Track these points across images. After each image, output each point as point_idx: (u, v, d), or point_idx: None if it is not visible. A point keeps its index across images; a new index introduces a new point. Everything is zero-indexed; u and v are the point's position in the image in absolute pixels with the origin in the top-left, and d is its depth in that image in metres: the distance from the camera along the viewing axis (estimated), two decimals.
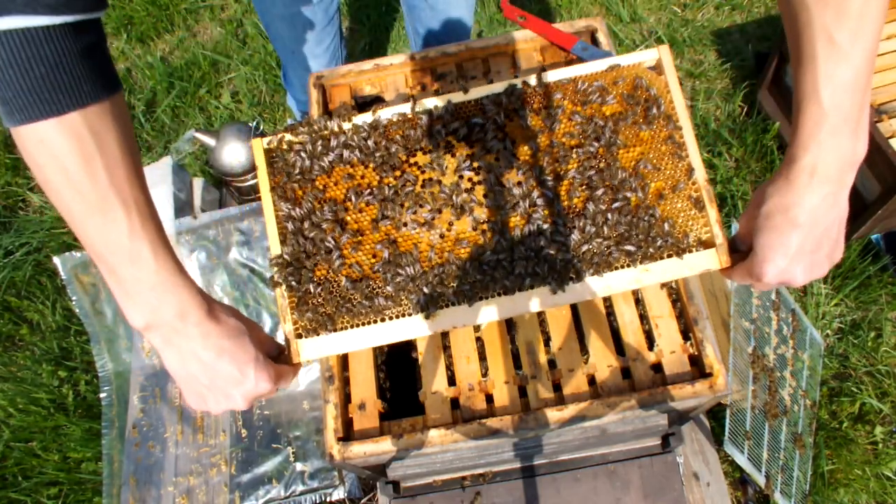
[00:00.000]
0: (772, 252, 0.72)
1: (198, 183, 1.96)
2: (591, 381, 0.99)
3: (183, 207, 1.85)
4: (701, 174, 0.87)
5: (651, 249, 0.85)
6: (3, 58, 0.56)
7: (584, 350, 1.01)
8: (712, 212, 0.85)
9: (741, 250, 0.82)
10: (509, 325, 1.05)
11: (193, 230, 1.82)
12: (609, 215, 0.85)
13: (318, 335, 0.86)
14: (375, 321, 0.86)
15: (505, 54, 1.28)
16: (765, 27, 2.61)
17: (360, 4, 2.86)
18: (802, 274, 0.73)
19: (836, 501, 1.71)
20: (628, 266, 0.85)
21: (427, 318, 0.85)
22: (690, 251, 0.85)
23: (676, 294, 1.02)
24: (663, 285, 1.03)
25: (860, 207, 1.96)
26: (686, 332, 1.00)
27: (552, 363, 1.01)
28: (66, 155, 0.60)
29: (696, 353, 0.98)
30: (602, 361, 0.99)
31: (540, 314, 1.04)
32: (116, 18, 2.93)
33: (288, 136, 0.93)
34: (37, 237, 2.31)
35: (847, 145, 0.65)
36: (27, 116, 0.58)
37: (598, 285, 0.85)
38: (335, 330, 0.86)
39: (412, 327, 0.86)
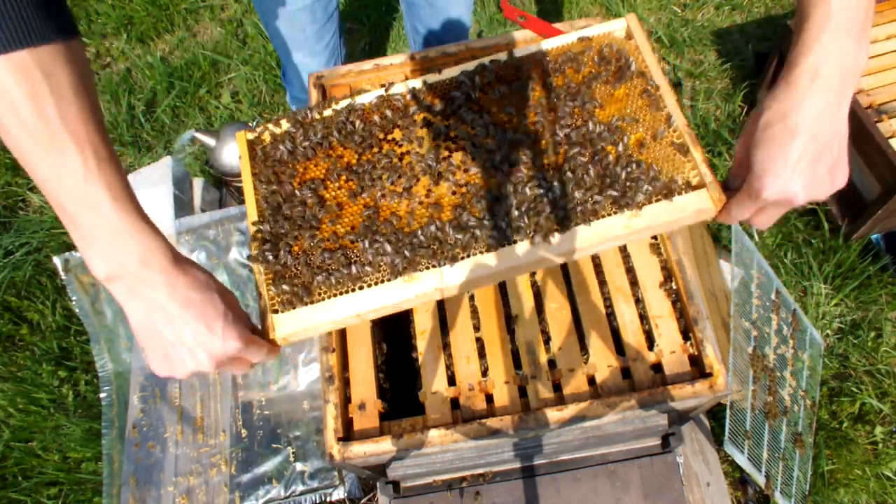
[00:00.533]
0: (771, 164, 0.68)
1: (198, 183, 1.96)
2: (591, 381, 0.99)
3: (183, 207, 1.85)
4: (680, 120, 0.86)
5: (639, 195, 0.82)
6: None
7: (584, 350, 1.01)
8: (697, 154, 0.84)
9: (734, 188, 0.78)
10: (509, 325, 1.05)
11: (193, 230, 1.82)
12: (590, 167, 0.84)
13: (294, 308, 0.83)
14: (354, 289, 0.83)
15: None
16: (765, 27, 2.61)
17: (360, 4, 2.86)
18: (804, 190, 0.68)
19: (836, 501, 1.71)
20: (616, 213, 0.83)
21: (407, 280, 0.82)
22: (680, 193, 0.82)
23: (676, 294, 1.02)
24: (662, 285, 1.03)
25: (860, 207, 1.96)
26: (686, 332, 1.00)
27: (552, 363, 1.01)
28: (14, 91, 0.57)
29: (696, 353, 0.98)
30: (602, 361, 0.99)
31: (540, 314, 1.04)
32: (116, 18, 2.93)
33: (271, 127, 0.95)
34: (37, 237, 2.31)
35: (851, 50, 0.63)
36: None
37: (586, 235, 0.82)
38: (312, 302, 0.83)
39: (392, 293, 0.83)
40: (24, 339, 2.16)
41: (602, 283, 1.06)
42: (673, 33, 2.62)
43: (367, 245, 0.84)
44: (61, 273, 1.86)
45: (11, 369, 2.09)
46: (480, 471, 1.19)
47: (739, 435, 1.38)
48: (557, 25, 1.27)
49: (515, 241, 0.83)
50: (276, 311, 0.84)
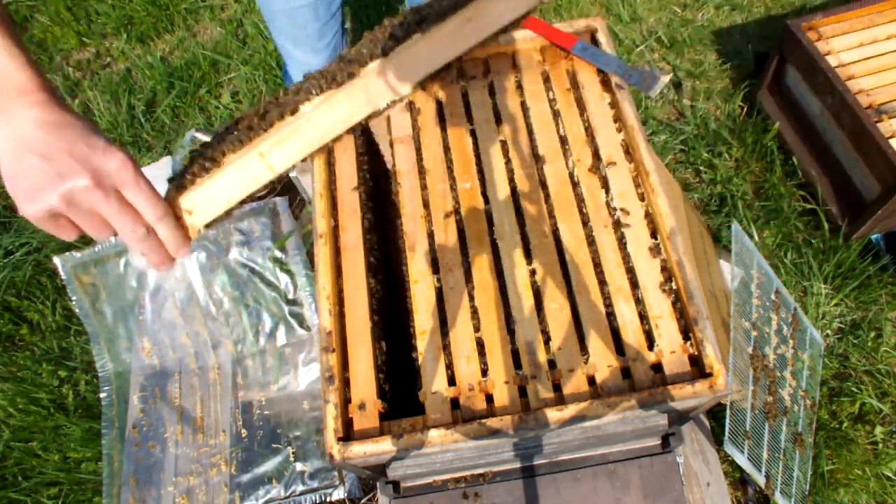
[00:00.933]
0: None
1: None
2: (591, 381, 0.99)
3: None
4: None
5: None
6: None
7: (584, 350, 1.01)
8: None
9: None
10: (509, 325, 1.05)
11: None
12: None
13: (201, 178, 0.74)
14: (266, 131, 0.75)
15: (505, 54, 1.28)
16: (765, 27, 2.61)
17: (360, 4, 2.86)
18: None
19: (836, 501, 1.71)
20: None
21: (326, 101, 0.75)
22: None
23: (676, 294, 1.02)
24: (662, 285, 1.03)
25: (860, 207, 1.96)
26: (686, 332, 1.00)
27: (552, 363, 1.01)
28: None
29: (696, 353, 0.98)
30: (602, 361, 0.99)
31: (540, 314, 1.04)
32: (116, 18, 2.93)
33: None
34: (37, 237, 2.31)
35: None
36: None
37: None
38: (220, 165, 0.74)
39: (309, 129, 0.75)
40: (24, 339, 2.16)
41: (602, 283, 1.06)
42: (673, 33, 2.62)
43: (281, 94, 0.78)
44: (61, 273, 1.86)
45: (11, 369, 2.09)
46: (480, 471, 1.19)
47: (739, 435, 1.38)
48: (557, 25, 1.27)
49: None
50: (183, 189, 0.74)
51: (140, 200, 0.65)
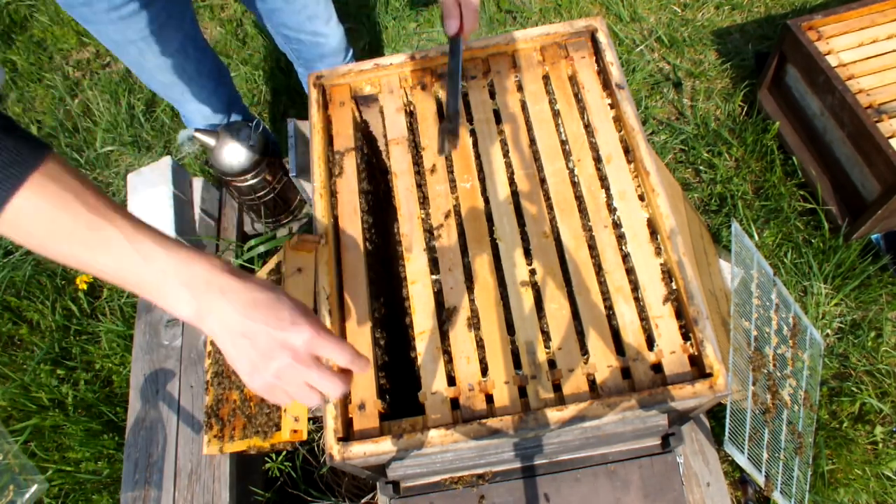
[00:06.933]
0: None
1: (198, 183, 1.95)
2: (591, 381, 0.99)
3: (183, 207, 1.85)
4: None
5: None
6: None
7: (584, 350, 1.01)
8: None
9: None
10: (509, 325, 1.05)
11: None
12: None
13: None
14: None
15: (505, 54, 1.28)
16: (765, 27, 2.61)
17: (359, 4, 2.86)
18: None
19: (836, 501, 1.71)
20: None
21: None
22: None
23: (676, 294, 1.02)
24: (662, 285, 1.03)
25: (860, 207, 1.96)
26: (686, 332, 1.00)
27: (552, 363, 1.01)
28: (44, 207, 0.62)
29: (696, 353, 0.98)
30: (602, 361, 0.99)
31: (540, 314, 1.04)
32: None
33: None
34: None
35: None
36: None
37: None
38: None
39: None
40: (24, 338, 2.16)
41: (602, 283, 1.06)
42: (673, 33, 2.62)
43: None
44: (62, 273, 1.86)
45: (11, 369, 2.09)
46: (480, 471, 1.19)
47: (739, 435, 1.38)
48: (557, 25, 1.27)
49: None
50: None
51: (333, 354, 0.74)
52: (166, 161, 1.86)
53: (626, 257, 1.08)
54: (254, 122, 1.81)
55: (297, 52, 1.94)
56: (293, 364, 0.70)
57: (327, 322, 1.02)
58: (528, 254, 1.09)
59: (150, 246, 0.66)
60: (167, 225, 1.75)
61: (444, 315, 1.06)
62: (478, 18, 0.79)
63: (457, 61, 0.87)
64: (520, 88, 1.25)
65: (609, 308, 1.04)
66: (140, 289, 0.67)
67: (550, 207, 1.13)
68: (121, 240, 0.65)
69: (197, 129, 1.76)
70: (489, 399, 0.99)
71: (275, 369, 0.70)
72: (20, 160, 0.62)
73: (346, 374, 0.77)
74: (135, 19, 1.46)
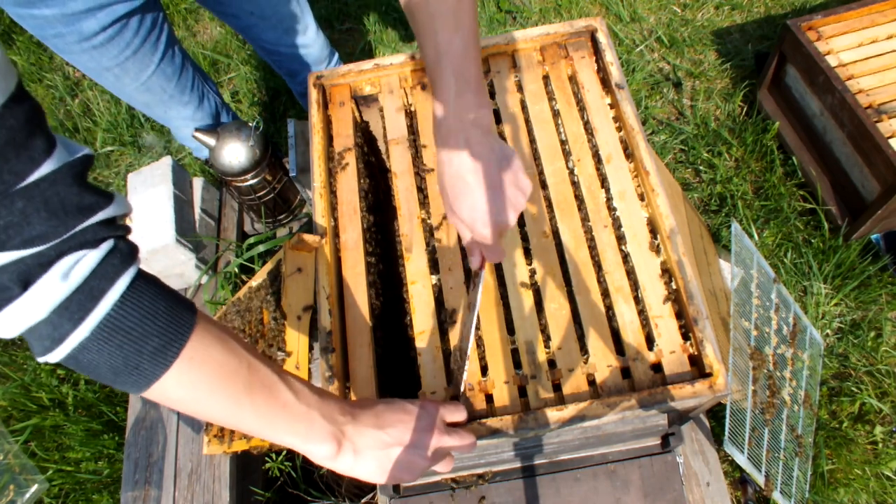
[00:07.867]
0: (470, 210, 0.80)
1: (198, 183, 1.96)
2: (591, 381, 0.99)
3: (183, 207, 1.85)
4: None
5: None
6: (134, 317, 0.56)
7: (583, 350, 1.01)
8: None
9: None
10: (509, 325, 1.05)
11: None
12: None
13: None
14: None
15: (505, 54, 1.28)
16: (765, 27, 2.61)
17: (360, 4, 2.86)
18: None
19: (836, 501, 1.71)
20: None
21: None
22: None
23: (676, 294, 1.02)
24: (662, 285, 1.03)
25: (860, 207, 1.96)
26: (686, 332, 1.00)
27: (552, 363, 1.01)
28: (224, 361, 0.63)
29: (696, 353, 0.98)
30: (602, 361, 0.99)
31: (540, 314, 1.04)
32: None
33: None
34: None
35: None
36: (165, 361, 0.58)
37: None
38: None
39: None
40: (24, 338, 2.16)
41: (602, 283, 1.06)
42: (673, 33, 2.63)
43: None
44: None
45: (11, 369, 2.09)
46: (480, 471, 1.19)
47: (739, 435, 1.38)
48: (557, 25, 1.27)
49: None
50: None
51: (450, 415, 0.89)
52: (166, 161, 1.86)
53: (625, 257, 1.08)
54: (254, 122, 1.81)
55: (278, 64, 1.94)
56: (432, 456, 0.82)
57: (328, 322, 1.02)
58: (527, 254, 1.09)
59: (313, 412, 0.72)
60: (167, 225, 1.75)
61: (443, 315, 1.06)
62: (500, 255, 0.86)
63: (476, 293, 0.91)
64: (520, 88, 1.25)
65: (609, 308, 1.04)
66: (292, 444, 0.72)
67: (550, 207, 1.13)
68: (290, 401, 0.69)
69: (197, 129, 1.76)
70: (489, 399, 0.99)
71: (425, 464, 0.81)
72: (182, 319, 0.60)
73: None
74: (107, 48, 1.44)
